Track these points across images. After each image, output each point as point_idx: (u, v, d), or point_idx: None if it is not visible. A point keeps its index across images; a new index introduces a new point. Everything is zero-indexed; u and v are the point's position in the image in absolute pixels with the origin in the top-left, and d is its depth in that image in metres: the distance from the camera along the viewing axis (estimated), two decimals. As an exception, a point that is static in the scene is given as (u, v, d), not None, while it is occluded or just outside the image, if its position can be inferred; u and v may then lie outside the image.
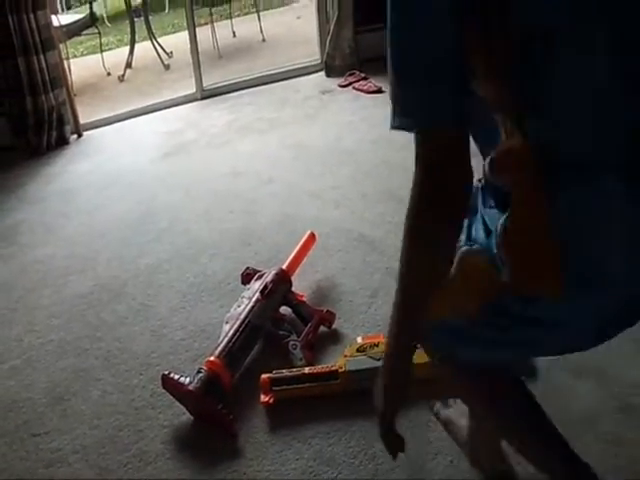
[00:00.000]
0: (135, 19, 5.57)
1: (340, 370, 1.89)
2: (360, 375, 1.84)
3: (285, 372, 1.93)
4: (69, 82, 3.98)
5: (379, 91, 4.15)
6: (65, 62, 3.97)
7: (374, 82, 4.26)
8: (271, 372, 1.93)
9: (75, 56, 5.99)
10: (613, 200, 0.88)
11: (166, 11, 7.33)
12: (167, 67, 5.46)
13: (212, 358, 1.93)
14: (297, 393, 1.89)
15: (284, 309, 2.21)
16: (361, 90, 4.22)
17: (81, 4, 7.31)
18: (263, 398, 1.89)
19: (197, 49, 4.41)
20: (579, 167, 0.88)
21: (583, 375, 1.91)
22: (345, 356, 1.93)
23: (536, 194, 0.90)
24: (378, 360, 1.79)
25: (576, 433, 1.69)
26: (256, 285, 2.20)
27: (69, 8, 7.11)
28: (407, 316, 1.06)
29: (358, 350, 1.93)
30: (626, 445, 1.69)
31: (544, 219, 0.91)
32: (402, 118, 0.92)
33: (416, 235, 0.97)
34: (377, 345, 1.91)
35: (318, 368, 1.94)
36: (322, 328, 2.16)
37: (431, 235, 0.96)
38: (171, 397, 1.92)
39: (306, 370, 1.93)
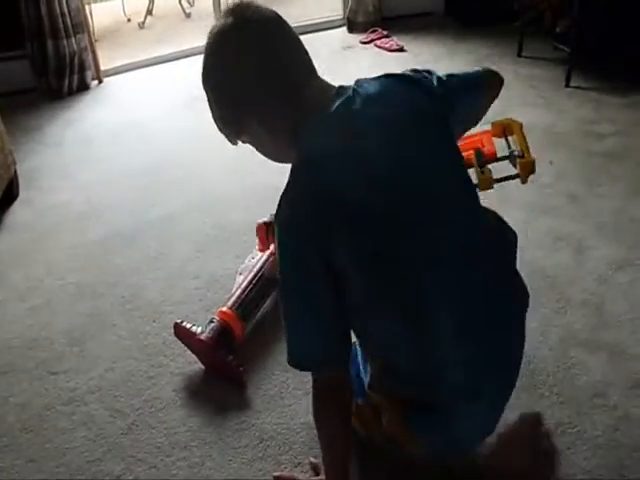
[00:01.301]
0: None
1: None
2: None
3: None
4: (91, 27, 3.94)
5: (401, 50, 4.10)
6: (87, 7, 3.92)
7: (396, 40, 4.20)
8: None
9: (96, 1, 5.91)
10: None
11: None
12: (188, 15, 5.38)
13: (225, 309, 1.95)
14: None
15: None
16: (383, 48, 4.15)
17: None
18: (259, 246, 1.91)
19: (219, -2, 4.34)
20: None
21: (596, 350, 1.92)
22: None
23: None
24: None
25: (585, 407, 1.72)
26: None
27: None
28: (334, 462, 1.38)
29: None
30: (633, 421, 1.70)
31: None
32: (295, 360, 1.25)
33: (321, 417, 1.33)
34: None
35: None
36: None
37: (330, 418, 1.32)
38: (183, 345, 1.96)
39: None
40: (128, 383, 1.93)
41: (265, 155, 1.30)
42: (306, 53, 1.24)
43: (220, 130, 1.27)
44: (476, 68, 1.53)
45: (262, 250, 2.15)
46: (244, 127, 1.22)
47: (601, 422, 1.69)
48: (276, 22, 1.21)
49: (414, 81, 1.27)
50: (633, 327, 1.99)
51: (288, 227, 1.16)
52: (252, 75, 1.16)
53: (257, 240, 2.19)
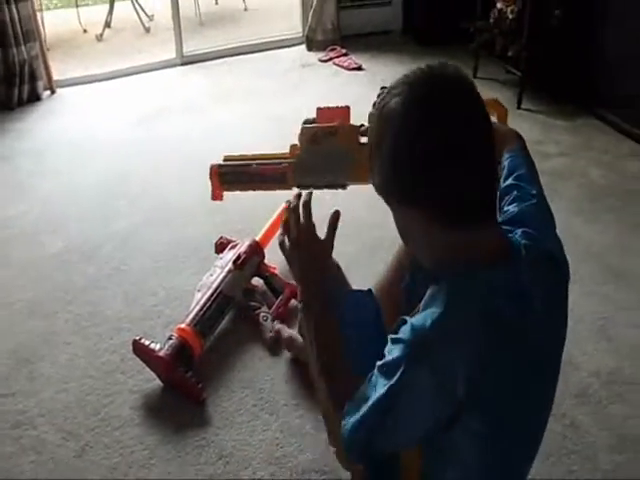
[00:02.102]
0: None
1: (289, 176, 1.63)
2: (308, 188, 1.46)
3: (235, 164, 1.74)
4: (42, 36, 3.87)
5: (359, 68, 4.16)
6: (38, 14, 3.85)
7: (354, 59, 4.26)
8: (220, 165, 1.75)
9: (49, 8, 5.82)
10: None
11: (147, -30, 7.14)
12: (147, 30, 5.34)
13: (183, 326, 1.95)
14: (246, 189, 1.74)
15: (256, 280, 2.24)
16: (341, 66, 4.21)
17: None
18: (213, 193, 1.76)
19: (179, 14, 4.33)
20: None
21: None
22: (297, 149, 1.63)
23: None
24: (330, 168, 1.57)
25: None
26: (229, 255, 2.22)
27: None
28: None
29: (312, 141, 1.59)
30: (580, 429, 1.79)
31: None
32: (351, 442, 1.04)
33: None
34: (334, 134, 1.57)
35: (268, 167, 1.68)
36: (293, 301, 2.19)
37: None
38: (141, 362, 1.94)
39: (254, 166, 1.70)
40: (82, 403, 1.90)
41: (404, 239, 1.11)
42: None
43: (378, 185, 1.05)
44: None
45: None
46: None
47: (551, 430, 1.74)
48: None
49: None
50: (578, 339, 2.08)
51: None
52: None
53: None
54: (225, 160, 1.75)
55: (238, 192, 1.79)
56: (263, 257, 2.26)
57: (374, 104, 1.09)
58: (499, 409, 0.99)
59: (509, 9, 3.56)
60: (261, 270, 2.24)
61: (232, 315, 2.15)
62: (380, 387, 0.98)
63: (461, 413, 0.96)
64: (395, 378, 0.96)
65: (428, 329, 0.95)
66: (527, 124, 3.48)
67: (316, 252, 1.24)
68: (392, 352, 0.98)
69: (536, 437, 1.15)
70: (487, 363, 0.96)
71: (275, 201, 2.28)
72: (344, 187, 1.61)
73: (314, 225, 1.25)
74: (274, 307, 2.14)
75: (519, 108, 3.63)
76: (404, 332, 0.98)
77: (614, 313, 2.20)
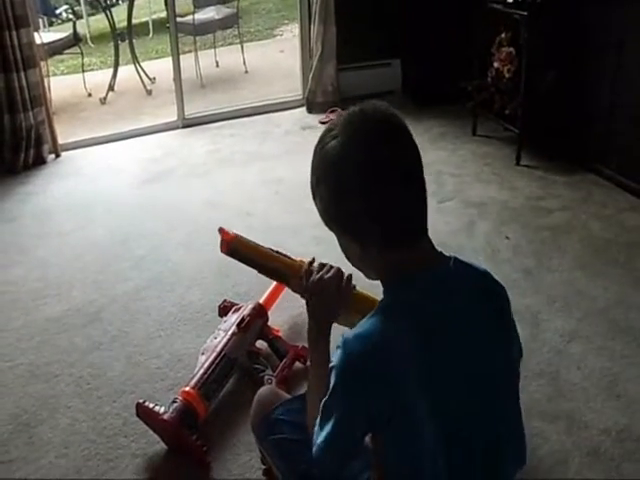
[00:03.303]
0: (119, 42, 5.59)
1: (292, 276, 1.67)
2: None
3: (249, 243, 1.84)
4: (49, 101, 3.96)
5: (359, 129, 4.23)
6: (45, 80, 3.95)
7: (355, 120, 4.34)
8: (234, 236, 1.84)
9: (55, 74, 5.97)
10: None
11: (150, 36, 7.37)
12: (149, 92, 5.48)
13: (187, 388, 1.93)
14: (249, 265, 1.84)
15: (260, 343, 2.23)
16: (341, 127, 4.28)
17: (63, 22, 7.32)
18: (221, 247, 1.84)
19: (180, 77, 4.45)
20: None
21: (554, 420, 1.98)
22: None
23: None
24: None
25: (545, 475, 1.76)
26: (233, 318, 2.21)
27: (51, 25, 7.11)
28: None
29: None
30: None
31: None
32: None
33: None
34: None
35: (278, 261, 1.76)
36: (297, 364, 2.18)
37: None
38: (144, 426, 1.91)
39: (263, 260, 1.79)
40: (83, 469, 1.86)
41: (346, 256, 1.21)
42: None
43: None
44: None
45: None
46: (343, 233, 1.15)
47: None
48: None
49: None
50: (586, 396, 2.07)
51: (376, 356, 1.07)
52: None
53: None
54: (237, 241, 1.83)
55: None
56: (267, 320, 2.26)
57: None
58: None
59: (505, 68, 3.66)
60: (265, 333, 2.23)
61: (236, 378, 2.13)
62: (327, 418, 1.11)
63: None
64: (337, 404, 1.09)
65: (355, 352, 1.06)
66: (526, 180, 3.54)
67: (338, 298, 1.36)
68: (330, 374, 1.10)
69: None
70: (411, 370, 1.04)
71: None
72: None
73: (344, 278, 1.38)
74: (278, 369, 2.12)
75: (518, 165, 3.69)
76: (336, 352, 1.09)
77: (622, 369, 2.18)
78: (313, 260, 1.46)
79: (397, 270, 1.11)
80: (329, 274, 1.38)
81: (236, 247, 1.83)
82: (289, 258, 1.78)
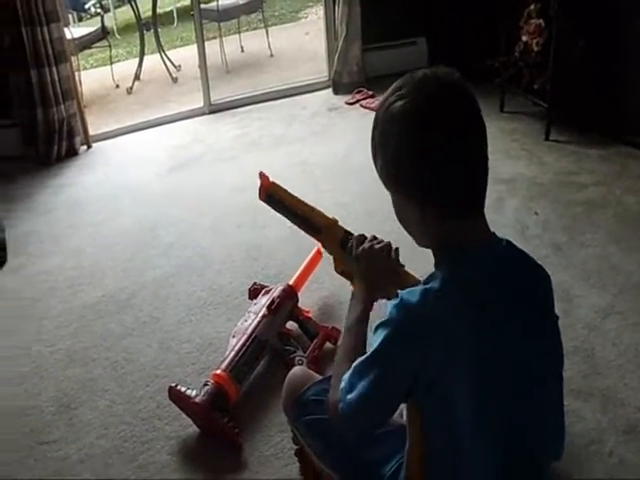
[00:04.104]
0: (144, 32, 5.63)
1: (325, 229, 1.69)
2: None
3: (284, 192, 1.83)
4: (80, 94, 4.02)
5: (386, 109, 4.19)
6: (76, 74, 4.01)
7: (381, 100, 4.31)
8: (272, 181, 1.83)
9: (85, 68, 6.05)
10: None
11: (175, 24, 7.39)
12: (175, 80, 5.51)
13: (219, 371, 1.95)
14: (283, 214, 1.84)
15: (290, 325, 2.24)
16: (368, 108, 4.25)
17: (92, 17, 7.39)
18: (259, 193, 1.84)
19: (205, 63, 4.46)
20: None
21: (589, 398, 1.95)
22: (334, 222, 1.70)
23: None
24: None
25: (581, 454, 1.73)
26: (263, 300, 2.23)
27: (80, 20, 7.19)
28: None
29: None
30: (628, 466, 1.72)
31: None
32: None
33: None
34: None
35: (313, 212, 1.76)
36: (328, 344, 2.19)
37: None
38: (177, 409, 1.95)
39: (298, 210, 1.79)
40: (121, 449, 1.91)
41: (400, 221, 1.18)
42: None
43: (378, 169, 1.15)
44: None
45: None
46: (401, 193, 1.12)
47: (598, 470, 1.71)
48: None
49: None
50: (622, 373, 2.03)
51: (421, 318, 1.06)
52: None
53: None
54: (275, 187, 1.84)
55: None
56: (297, 301, 2.27)
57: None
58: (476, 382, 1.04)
59: (534, 41, 3.58)
60: (295, 314, 2.24)
61: (267, 360, 2.15)
62: (368, 373, 1.09)
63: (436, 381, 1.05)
64: (381, 362, 1.08)
65: (414, 305, 1.05)
66: (556, 155, 3.47)
67: (387, 266, 1.40)
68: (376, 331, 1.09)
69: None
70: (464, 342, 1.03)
71: (307, 246, 2.36)
72: None
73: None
74: (309, 350, 2.14)
75: (547, 139, 3.62)
76: (390, 309, 1.07)
77: (659, 344, 2.14)
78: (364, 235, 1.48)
79: (453, 241, 1.10)
80: (380, 244, 1.40)
81: (273, 193, 1.83)
82: (324, 214, 1.78)
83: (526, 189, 3.15)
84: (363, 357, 1.11)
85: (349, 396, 1.12)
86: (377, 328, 1.09)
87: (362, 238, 1.45)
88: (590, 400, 1.94)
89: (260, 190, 1.83)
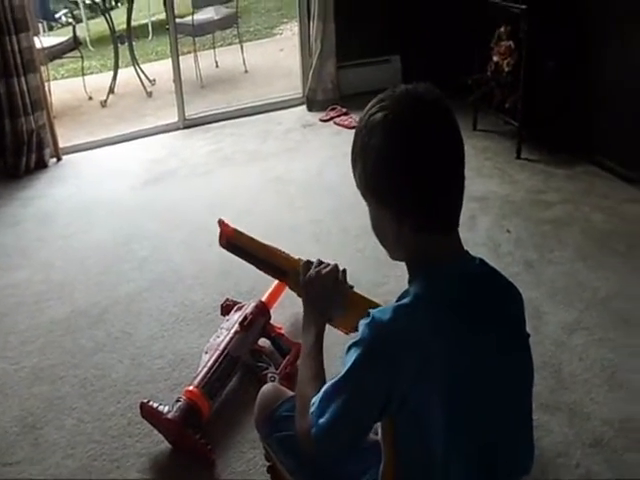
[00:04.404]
0: (119, 45, 5.60)
1: (291, 271, 1.61)
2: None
3: (246, 238, 1.78)
4: (49, 105, 3.97)
5: (359, 126, 4.22)
6: (46, 84, 3.96)
7: (355, 117, 4.34)
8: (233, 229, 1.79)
9: (56, 78, 5.99)
10: None
11: (150, 38, 7.37)
12: (150, 94, 5.48)
13: (191, 387, 1.94)
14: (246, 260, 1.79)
15: (263, 341, 2.24)
16: (342, 125, 4.29)
17: (62, 26, 7.34)
18: (220, 239, 1.79)
19: (180, 78, 4.45)
20: None
21: (556, 412, 1.98)
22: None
23: None
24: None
25: (549, 466, 1.77)
26: (235, 316, 2.23)
27: (51, 29, 7.13)
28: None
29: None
30: (594, 478, 1.77)
31: None
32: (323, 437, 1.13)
33: None
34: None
35: (276, 256, 1.70)
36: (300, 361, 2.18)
37: None
38: (149, 425, 1.93)
39: (261, 255, 1.73)
40: (89, 468, 1.88)
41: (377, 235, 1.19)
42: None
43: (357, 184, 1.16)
44: None
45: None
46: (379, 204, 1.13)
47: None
48: None
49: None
50: (588, 387, 2.08)
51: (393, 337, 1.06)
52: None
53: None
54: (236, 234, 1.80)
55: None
56: (269, 318, 2.27)
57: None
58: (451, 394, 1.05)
59: (505, 62, 3.66)
60: (267, 330, 2.24)
61: (239, 376, 2.14)
62: (341, 392, 1.09)
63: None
64: (353, 382, 1.08)
65: (386, 322, 1.05)
66: (527, 174, 3.54)
67: (334, 292, 1.39)
68: (348, 352, 1.09)
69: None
70: (438, 355, 1.04)
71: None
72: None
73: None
74: (281, 367, 2.14)
75: (519, 158, 3.69)
76: (362, 328, 1.08)
77: (624, 360, 2.19)
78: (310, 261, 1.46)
79: (427, 256, 1.11)
80: (326, 269, 1.40)
81: (235, 240, 1.80)
82: (287, 255, 1.76)
83: (498, 207, 3.21)
84: (334, 379, 1.11)
85: (321, 420, 1.11)
86: (349, 348, 1.10)
87: (309, 265, 1.44)
88: (557, 414, 1.98)
89: (220, 237, 1.80)
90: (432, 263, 1.11)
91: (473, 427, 1.09)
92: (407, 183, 1.07)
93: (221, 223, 1.81)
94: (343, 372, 1.09)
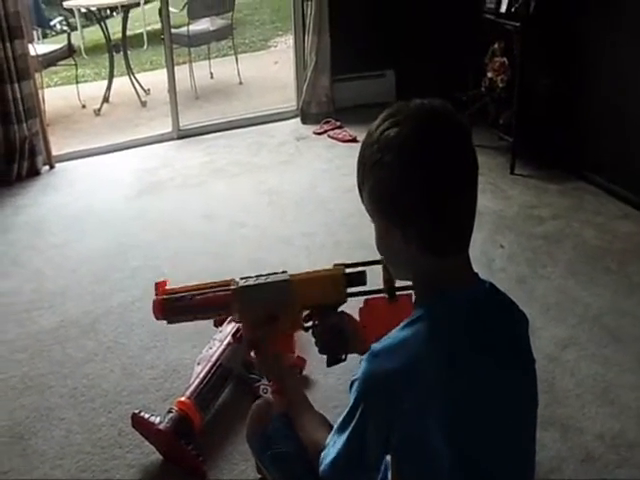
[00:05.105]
0: (114, 54, 5.60)
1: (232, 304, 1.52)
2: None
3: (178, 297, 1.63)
4: (43, 112, 3.96)
5: (354, 140, 4.22)
6: (40, 92, 3.96)
7: (349, 131, 4.36)
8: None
9: (49, 86, 5.98)
10: None
11: (145, 47, 7.39)
12: (144, 104, 5.49)
13: (183, 399, 1.93)
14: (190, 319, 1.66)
15: (255, 352, 2.22)
16: (336, 138, 4.31)
17: (57, 34, 7.34)
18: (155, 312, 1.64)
19: (175, 88, 4.46)
20: None
21: (549, 427, 1.99)
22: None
23: None
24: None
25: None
26: (228, 328, 2.21)
27: (45, 37, 7.12)
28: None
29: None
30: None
31: None
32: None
33: None
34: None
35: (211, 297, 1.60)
36: (293, 372, 2.17)
37: None
38: (140, 436, 1.91)
39: (197, 297, 1.62)
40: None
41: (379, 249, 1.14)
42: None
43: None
44: None
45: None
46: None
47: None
48: None
49: None
50: (581, 402, 2.09)
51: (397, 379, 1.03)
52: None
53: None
54: (166, 294, 1.65)
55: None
56: (262, 328, 2.25)
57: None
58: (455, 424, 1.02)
59: (499, 78, 3.70)
60: (260, 342, 2.23)
61: (232, 388, 2.13)
62: (344, 432, 1.09)
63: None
64: (355, 419, 1.06)
65: (385, 360, 1.02)
66: (520, 189, 3.56)
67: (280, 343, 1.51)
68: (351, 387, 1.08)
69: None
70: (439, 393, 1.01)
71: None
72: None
73: None
74: (273, 378, 2.12)
75: (512, 174, 3.72)
76: (363, 364, 1.05)
77: (616, 375, 2.20)
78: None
79: (434, 280, 1.07)
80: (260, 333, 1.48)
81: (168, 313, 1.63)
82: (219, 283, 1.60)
83: (492, 222, 3.23)
84: (341, 417, 1.10)
85: (327, 458, 1.12)
86: (352, 384, 1.08)
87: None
88: (550, 429, 1.98)
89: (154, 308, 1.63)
90: (439, 290, 1.06)
91: (478, 457, 1.05)
92: (422, 203, 1.01)
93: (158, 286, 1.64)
94: (346, 410, 1.08)
